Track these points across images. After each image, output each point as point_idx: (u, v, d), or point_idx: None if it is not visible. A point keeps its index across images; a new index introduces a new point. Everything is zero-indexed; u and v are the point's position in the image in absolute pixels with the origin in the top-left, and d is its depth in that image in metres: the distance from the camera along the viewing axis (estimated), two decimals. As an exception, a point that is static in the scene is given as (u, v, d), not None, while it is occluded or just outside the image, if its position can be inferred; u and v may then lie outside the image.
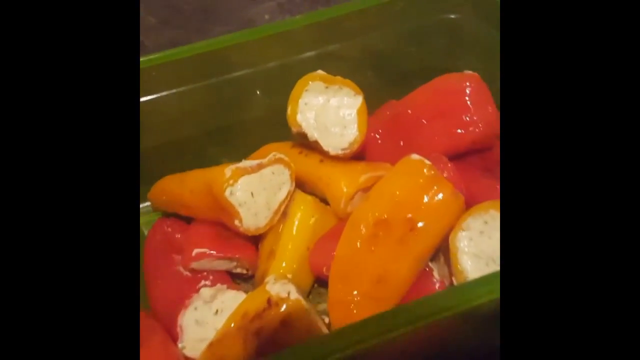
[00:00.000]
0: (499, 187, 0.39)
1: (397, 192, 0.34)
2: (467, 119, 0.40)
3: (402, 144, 0.43)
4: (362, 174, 0.40)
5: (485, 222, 0.33)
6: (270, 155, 0.39)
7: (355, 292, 0.34)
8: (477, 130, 0.40)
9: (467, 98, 0.40)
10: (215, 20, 0.65)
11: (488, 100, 0.40)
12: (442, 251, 0.35)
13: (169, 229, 0.42)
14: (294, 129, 0.40)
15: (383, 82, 0.51)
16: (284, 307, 0.33)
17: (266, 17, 0.65)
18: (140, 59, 0.42)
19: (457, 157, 0.41)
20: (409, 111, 0.43)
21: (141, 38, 0.62)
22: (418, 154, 0.38)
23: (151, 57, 0.42)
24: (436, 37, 0.50)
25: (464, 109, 0.40)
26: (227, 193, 0.37)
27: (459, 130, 0.41)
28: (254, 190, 0.38)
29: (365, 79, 0.48)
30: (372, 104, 0.46)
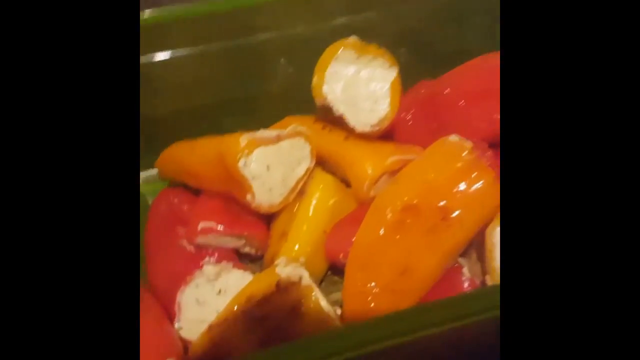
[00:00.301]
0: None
1: (431, 176, 0.31)
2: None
3: (435, 126, 0.39)
4: (390, 155, 0.36)
5: (529, 217, 0.29)
6: (291, 128, 0.36)
7: (373, 283, 0.31)
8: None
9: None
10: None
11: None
12: (476, 246, 0.31)
13: (175, 200, 0.39)
14: (319, 101, 0.36)
15: (417, 60, 0.48)
16: (293, 293, 0.29)
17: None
18: (154, 13, 0.39)
19: (497, 145, 0.38)
20: (446, 91, 0.39)
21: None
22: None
23: (166, 11, 0.39)
24: (477, 16, 0.47)
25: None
26: (240, 164, 0.33)
27: (497, 116, 0.37)
28: (270, 163, 0.34)
29: (397, 56, 0.45)
30: (404, 84, 0.43)
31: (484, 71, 0.38)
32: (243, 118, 0.45)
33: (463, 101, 0.39)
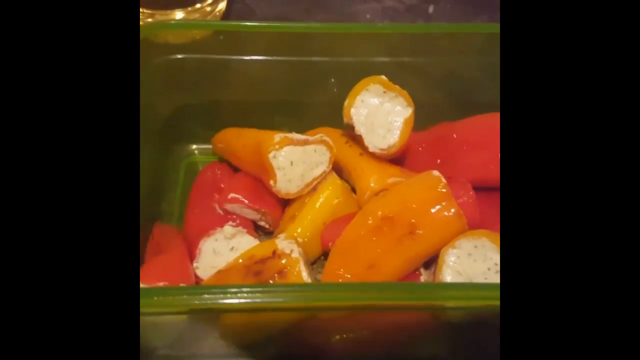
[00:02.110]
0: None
1: (409, 197, 0.38)
2: (502, 157, 0.43)
3: (439, 162, 0.47)
4: (391, 176, 0.44)
5: (475, 247, 0.36)
6: (318, 136, 0.44)
7: (346, 270, 0.39)
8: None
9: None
10: (323, 6, 0.70)
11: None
12: (435, 262, 0.39)
13: (218, 172, 0.49)
14: (346, 120, 0.45)
15: (450, 104, 0.54)
16: (283, 261, 0.38)
17: (367, 16, 0.69)
18: (240, 23, 0.48)
19: (486, 189, 0.45)
20: (454, 135, 0.46)
21: (252, 6, 0.69)
22: (451, 175, 0.42)
23: (249, 24, 0.48)
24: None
25: (502, 148, 0.43)
26: (270, 155, 0.42)
27: (491, 166, 0.44)
28: (294, 160, 0.43)
29: (432, 97, 0.52)
30: (431, 121, 0.50)
31: (487, 127, 0.45)
32: (290, 119, 0.54)
33: (465, 147, 0.46)
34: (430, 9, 0.69)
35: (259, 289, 0.31)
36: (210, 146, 0.54)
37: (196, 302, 0.31)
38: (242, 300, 0.31)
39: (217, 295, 0.31)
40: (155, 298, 0.30)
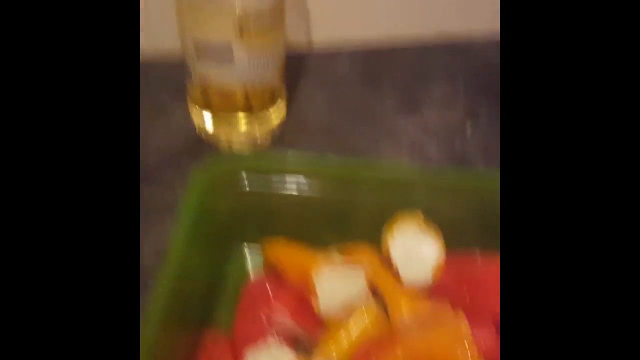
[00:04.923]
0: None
1: (437, 346, 0.43)
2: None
3: (465, 289, 0.51)
4: (422, 306, 0.49)
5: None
6: (356, 265, 0.50)
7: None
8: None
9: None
10: (366, 124, 0.76)
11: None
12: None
13: (268, 283, 0.54)
14: (384, 248, 0.50)
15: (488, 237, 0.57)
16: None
17: (409, 130, 0.75)
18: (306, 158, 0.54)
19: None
20: (480, 265, 0.51)
21: (304, 118, 0.76)
22: (474, 307, 0.46)
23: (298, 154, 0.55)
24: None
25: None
26: (314, 276, 0.48)
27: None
28: (333, 285, 0.49)
29: (462, 238, 0.54)
30: (458, 244, 0.54)
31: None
32: (337, 234, 0.57)
33: (490, 280, 0.50)
34: (468, 131, 0.75)
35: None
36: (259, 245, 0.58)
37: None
38: None
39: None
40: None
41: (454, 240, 0.51)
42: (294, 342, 0.51)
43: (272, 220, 0.59)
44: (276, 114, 0.70)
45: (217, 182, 0.54)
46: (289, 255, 0.54)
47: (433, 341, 0.43)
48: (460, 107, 0.78)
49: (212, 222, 0.55)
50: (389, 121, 0.76)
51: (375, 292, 0.52)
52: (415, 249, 0.50)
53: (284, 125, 0.73)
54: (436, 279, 0.49)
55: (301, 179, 0.56)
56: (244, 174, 0.55)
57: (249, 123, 0.68)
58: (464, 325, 0.43)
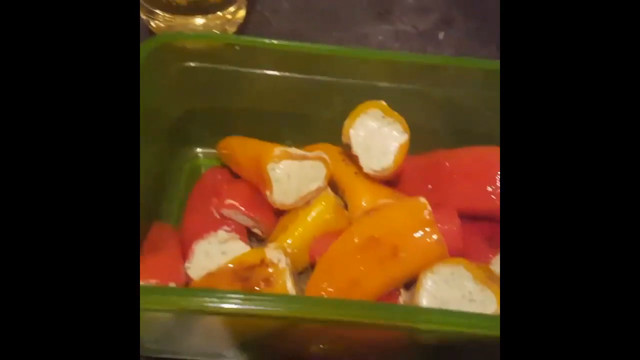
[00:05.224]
0: (490, 255, 0.44)
1: (395, 220, 0.40)
2: (490, 190, 0.45)
3: (430, 187, 0.49)
4: (383, 197, 0.46)
5: (452, 273, 0.38)
6: (316, 152, 0.46)
7: (329, 284, 0.40)
8: (493, 204, 0.44)
9: (498, 174, 0.45)
10: (337, 25, 0.72)
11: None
12: (414, 284, 0.41)
13: (219, 177, 0.51)
14: (344, 139, 0.47)
15: (448, 132, 0.55)
16: (270, 270, 0.40)
17: (379, 37, 0.71)
18: (259, 39, 0.50)
19: (472, 219, 0.46)
20: (447, 164, 0.48)
21: (270, 18, 0.71)
22: (440, 202, 0.43)
23: (261, 40, 0.50)
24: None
25: (491, 182, 0.45)
26: (269, 167, 0.44)
27: (480, 197, 0.45)
28: (291, 173, 0.45)
29: (431, 124, 0.54)
30: (427, 147, 0.52)
31: (480, 159, 0.47)
32: (294, 132, 0.56)
33: (456, 176, 0.48)
34: (441, 35, 0.71)
35: (244, 296, 0.33)
36: (215, 151, 0.56)
37: (183, 303, 0.33)
38: (226, 305, 0.33)
39: (203, 299, 0.33)
40: (144, 295, 0.32)
41: (421, 141, 0.48)
42: (248, 234, 0.48)
43: (227, 118, 0.55)
44: (234, 17, 0.65)
45: (163, 54, 0.49)
46: (243, 147, 0.50)
47: (391, 217, 0.40)
48: (435, 13, 0.73)
49: (160, 110, 0.51)
50: (360, 29, 0.71)
51: (335, 189, 0.49)
52: (377, 136, 0.46)
53: (243, 31, 0.68)
54: (399, 167, 0.46)
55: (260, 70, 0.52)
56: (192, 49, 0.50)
57: (204, 26, 0.62)
58: (425, 204, 0.40)
